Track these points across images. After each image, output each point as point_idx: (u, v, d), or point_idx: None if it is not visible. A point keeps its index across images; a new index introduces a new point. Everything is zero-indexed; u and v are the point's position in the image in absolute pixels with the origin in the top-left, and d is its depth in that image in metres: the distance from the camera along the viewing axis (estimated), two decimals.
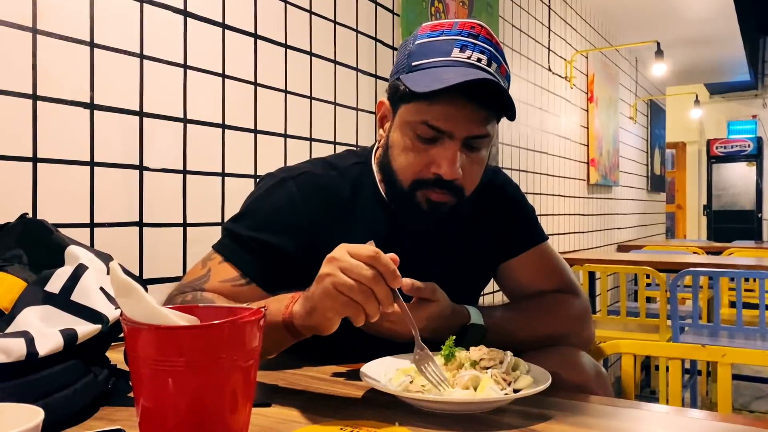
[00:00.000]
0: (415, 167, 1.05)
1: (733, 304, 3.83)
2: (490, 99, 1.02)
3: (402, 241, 1.11)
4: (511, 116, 1.03)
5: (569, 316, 1.19)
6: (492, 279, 1.30)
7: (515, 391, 0.86)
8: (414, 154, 1.05)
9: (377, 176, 1.16)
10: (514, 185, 1.30)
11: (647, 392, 4.36)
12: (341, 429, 0.75)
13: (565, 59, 4.31)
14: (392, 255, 0.82)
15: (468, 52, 1.02)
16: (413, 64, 1.05)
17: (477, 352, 0.91)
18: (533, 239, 1.26)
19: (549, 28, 4.02)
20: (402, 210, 1.11)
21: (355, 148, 1.48)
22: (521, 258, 1.23)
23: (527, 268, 1.24)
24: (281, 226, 1.08)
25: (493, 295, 2.82)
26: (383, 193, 1.15)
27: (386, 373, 0.93)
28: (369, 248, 0.81)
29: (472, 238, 1.21)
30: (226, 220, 1.19)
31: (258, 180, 1.20)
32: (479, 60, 1.02)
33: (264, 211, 1.10)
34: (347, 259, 0.81)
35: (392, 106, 1.10)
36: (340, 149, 1.95)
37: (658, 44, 4.37)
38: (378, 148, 1.18)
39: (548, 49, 4.01)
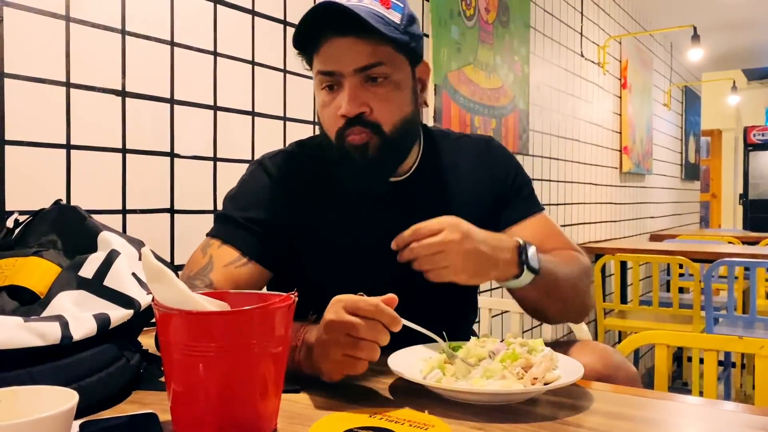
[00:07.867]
0: (331, 119, 1.08)
1: None
2: (363, 28, 1.00)
3: (393, 206, 1.14)
4: (399, 44, 1.03)
5: (580, 267, 1.17)
6: None
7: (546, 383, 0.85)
8: (327, 108, 1.08)
9: None
10: (508, 154, 1.29)
11: (679, 384, 4.29)
12: (370, 416, 0.75)
13: (597, 45, 4.22)
14: (391, 296, 0.81)
15: None
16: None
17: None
18: (532, 209, 1.24)
19: (582, 12, 3.95)
20: (344, 169, 1.10)
21: None
22: (520, 225, 1.21)
23: (527, 234, 1.18)
24: (263, 203, 1.12)
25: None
26: None
27: (414, 363, 0.92)
28: (369, 302, 0.79)
29: (466, 206, 1.17)
30: None
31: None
32: None
33: (246, 192, 1.16)
34: (348, 321, 0.79)
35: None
36: None
37: (695, 29, 4.25)
38: None
39: (581, 34, 3.94)
